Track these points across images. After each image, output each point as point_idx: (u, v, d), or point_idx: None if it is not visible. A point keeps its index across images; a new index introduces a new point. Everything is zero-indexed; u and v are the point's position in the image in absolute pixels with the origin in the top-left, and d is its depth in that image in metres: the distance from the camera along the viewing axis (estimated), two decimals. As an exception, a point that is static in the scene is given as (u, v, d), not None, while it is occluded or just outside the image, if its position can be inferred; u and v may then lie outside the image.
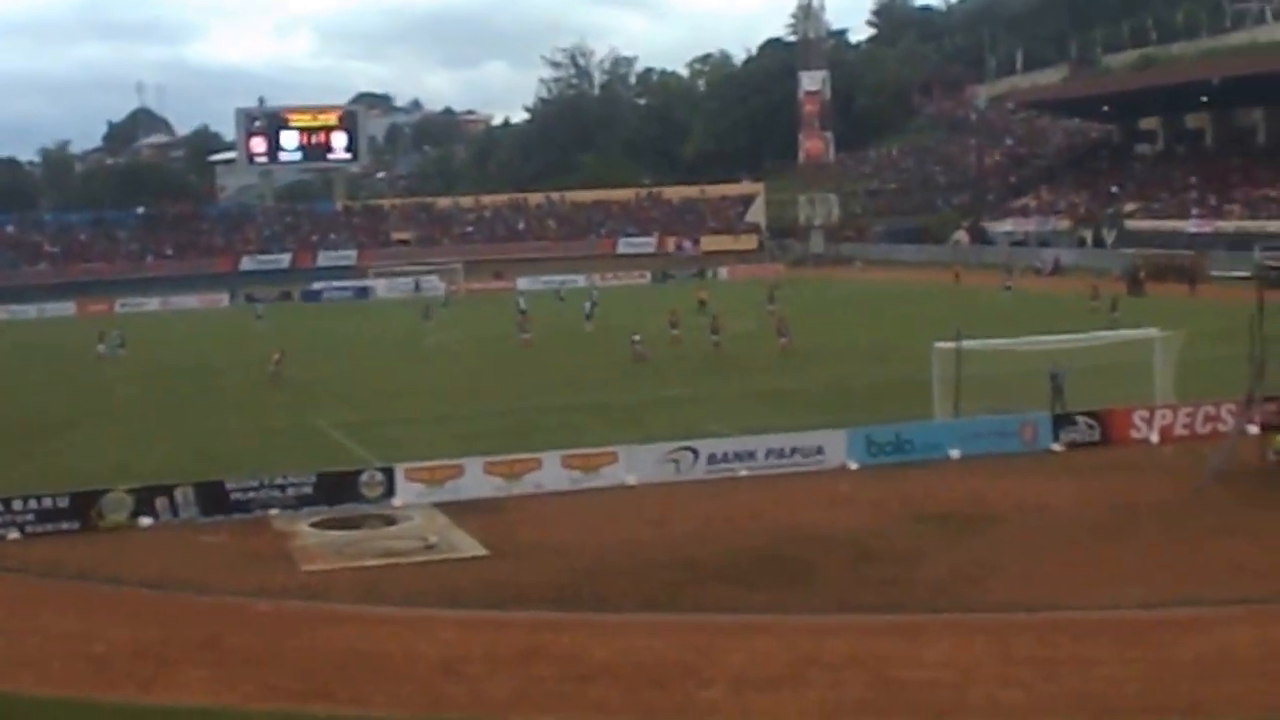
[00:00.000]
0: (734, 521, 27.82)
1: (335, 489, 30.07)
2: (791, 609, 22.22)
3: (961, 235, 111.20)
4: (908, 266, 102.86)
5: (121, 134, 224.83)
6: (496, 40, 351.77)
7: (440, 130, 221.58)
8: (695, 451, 32.14)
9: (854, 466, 32.34)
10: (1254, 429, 31.01)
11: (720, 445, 32.79)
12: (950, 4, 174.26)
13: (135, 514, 29.00)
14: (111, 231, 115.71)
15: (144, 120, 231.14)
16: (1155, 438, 34.15)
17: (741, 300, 74.88)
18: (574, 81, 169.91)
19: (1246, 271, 61.07)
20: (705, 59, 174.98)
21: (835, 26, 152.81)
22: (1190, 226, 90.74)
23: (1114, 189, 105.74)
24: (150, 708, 18.82)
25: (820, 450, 32.56)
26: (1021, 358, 37.47)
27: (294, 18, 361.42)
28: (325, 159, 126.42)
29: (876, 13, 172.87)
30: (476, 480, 30.67)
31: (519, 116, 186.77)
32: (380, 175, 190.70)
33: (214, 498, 29.50)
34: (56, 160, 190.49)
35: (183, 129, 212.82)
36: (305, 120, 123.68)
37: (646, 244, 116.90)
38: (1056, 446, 33.70)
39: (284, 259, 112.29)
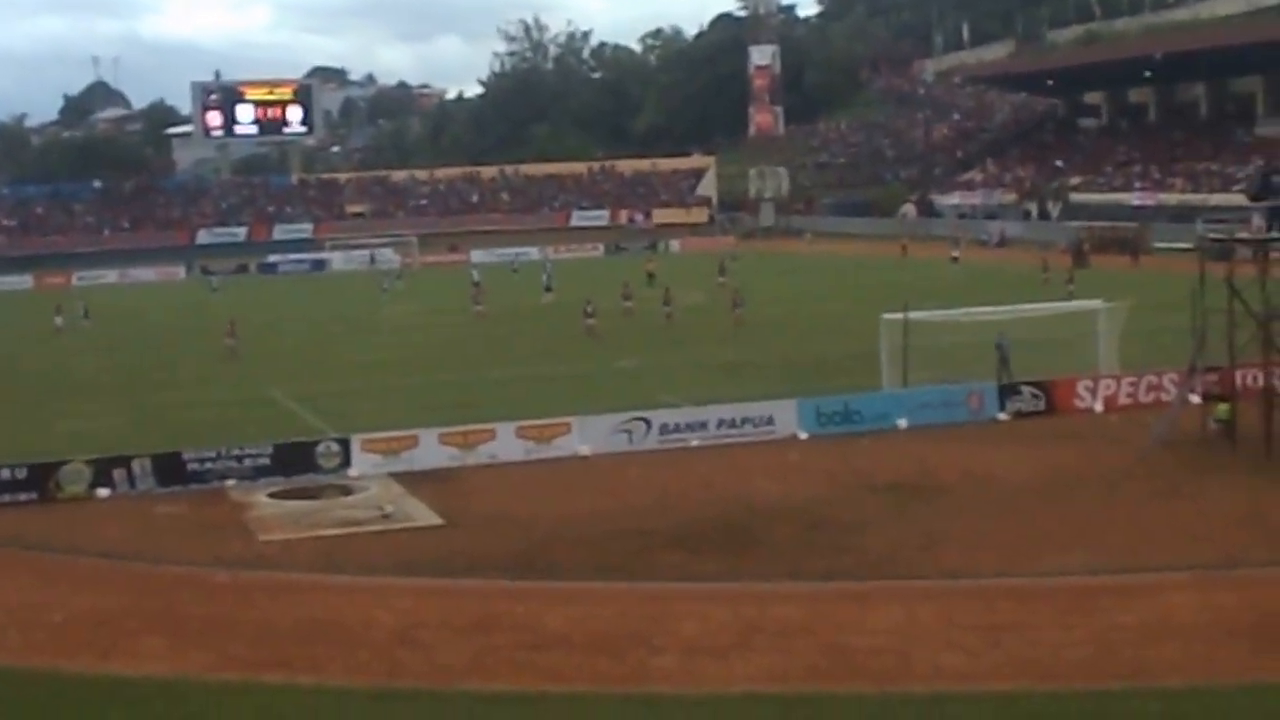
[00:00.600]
0: (686, 491, 28.09)
1: (292, 460, 30.23)
2: (742, 576, 22.53)
3: (909, 208, 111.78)
4: (856, 239, 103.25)
5: (78, 107, 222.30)
6: (451, 14, 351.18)
7: (395, 104, 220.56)
8: (648, 422, 32.41)
9: (804, 436, 32.74)
10: (1196, 398, 31.48)
11: (672, 416, 33.15)
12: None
13: (93, 485, 29.13)
14: (68, 205, 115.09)
15: (100, 94, 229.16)
16: (1099, 407, 34.72)
17: (693, 273, 75.13)
18: (528, 55, 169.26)
19: (1189, 244, 61.47)
20: (657, 34, 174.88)
21: (785, 2, 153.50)
22: (1134, 199, 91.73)
23: (1059, 163, 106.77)
24: (109, 677, 18.98)
25: (771, 420, 32.94)
26: (968, 329, 37.99)
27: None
28: (281, 132, 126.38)
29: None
30: (432, 450, 30.89)
31: (473, 90, 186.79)
32: (335, 149, 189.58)
33: (171, 469, 29.63)
34: (13, 133, 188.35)
35: (139, 102, 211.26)
36: (261, 94, 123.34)
37: (599, 217, 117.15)
38: (1003, 416, 34.22)
39: (240, 232, 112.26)
